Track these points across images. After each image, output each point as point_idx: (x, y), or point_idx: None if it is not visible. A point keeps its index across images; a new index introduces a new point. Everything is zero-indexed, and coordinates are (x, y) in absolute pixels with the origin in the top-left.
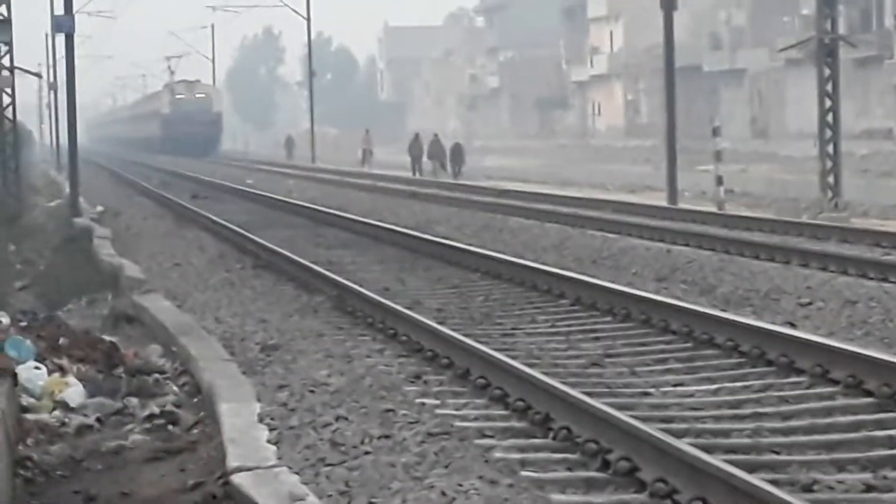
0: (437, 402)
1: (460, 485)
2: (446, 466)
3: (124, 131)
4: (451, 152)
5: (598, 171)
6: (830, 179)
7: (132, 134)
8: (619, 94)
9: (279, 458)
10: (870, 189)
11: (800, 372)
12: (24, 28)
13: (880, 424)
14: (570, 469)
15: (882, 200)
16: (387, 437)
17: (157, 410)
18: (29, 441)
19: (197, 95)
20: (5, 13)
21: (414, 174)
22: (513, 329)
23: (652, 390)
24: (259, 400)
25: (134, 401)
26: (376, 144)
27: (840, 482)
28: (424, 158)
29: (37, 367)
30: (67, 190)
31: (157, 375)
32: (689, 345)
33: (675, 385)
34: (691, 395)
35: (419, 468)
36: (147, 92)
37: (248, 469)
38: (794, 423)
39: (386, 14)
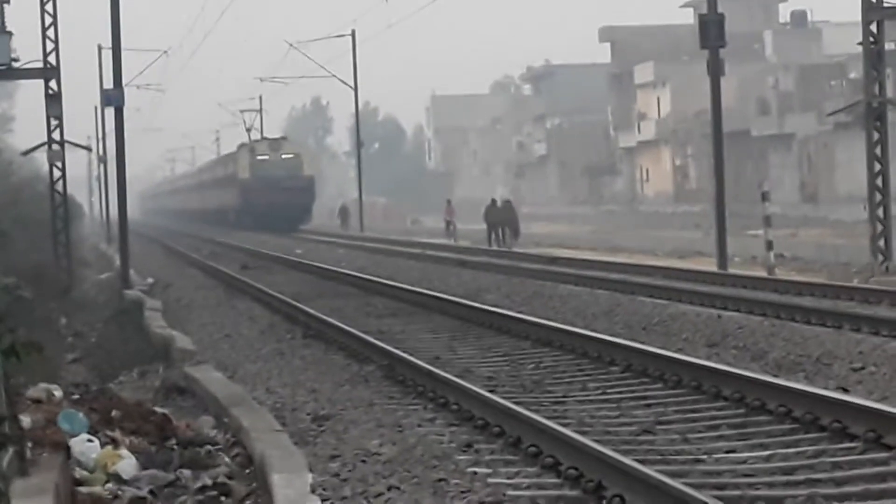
0: (489, 470)
1: None
2: None
3: (186, 202)
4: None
5: (647, 236)
6: (881, 243)
7: (197, 205)
8: (667, 160)
9: None
10: None
11: (853, 437)
12: (73, 102)
13: None
14: None
15: None
16: None
17: (209, 482)
18: None
19: (284, 156)
20: (55, 88)
21: (490, 244)
22: (564, 397)
23: (704, 457)
24: (311, 470)
25: (186, 472)
26: (424, 213)
27: None
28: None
29: (90, 440)
30: (118, 262)
31: (209, 447)
32: (741, 411)
33: (727, 452)
34: (744, 462)
35: None
36: (196, 162)
37: None
38: (847, 489)
39: (433, 83)
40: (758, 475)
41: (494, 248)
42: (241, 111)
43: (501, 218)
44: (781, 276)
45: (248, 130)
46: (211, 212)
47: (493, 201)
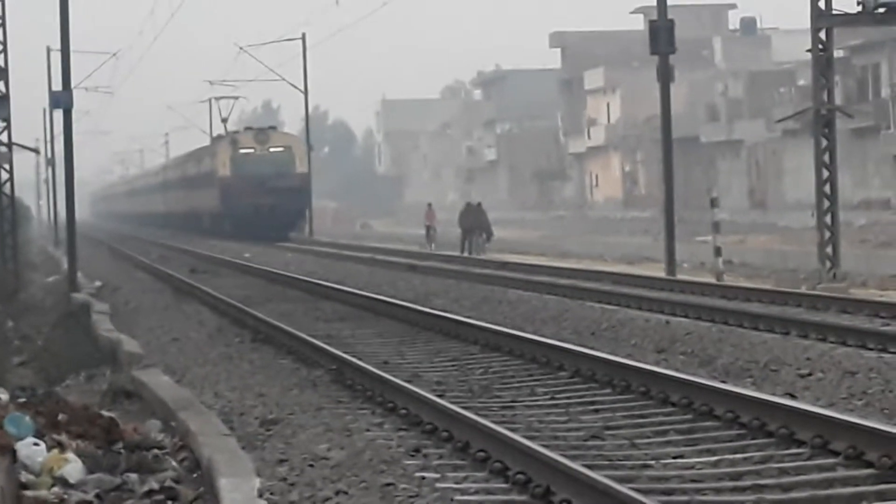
0: (438, 475)
1: None
2: None
3: (148, 204)
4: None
5: (596, 242)
6: (829, 250)
7: (162, 207)
8: (616, 166)
9: None
10: (868, 259)
11: (800, 443)
12: (21, 104)
13: (881, 496)
14: None
15: (880, 270)
16: None
17: (156, 486)
18: None
19: (272, 149)
20: (3, 89)
21: (463, 251)
22: (512, 401)
23: (652, 462)
24: (258, 475)
25: (133, 476)
26: (373, 217)
27: None
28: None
29: (36, 444)
30: (65, 265)
31: (156, 451)
32: (688, 416)
33: (675, 457)
34: (691, 467)
35: None
36: (149, 163)
37: None
38: (794, 494)
39: (383, 87)
40: (705, 480)
41: (466, 255)
42: (217, 98)
43: (476, 222)
44: (730, 283)
45: (224, 121)
46: (181, 216)
47: (468, 204)
